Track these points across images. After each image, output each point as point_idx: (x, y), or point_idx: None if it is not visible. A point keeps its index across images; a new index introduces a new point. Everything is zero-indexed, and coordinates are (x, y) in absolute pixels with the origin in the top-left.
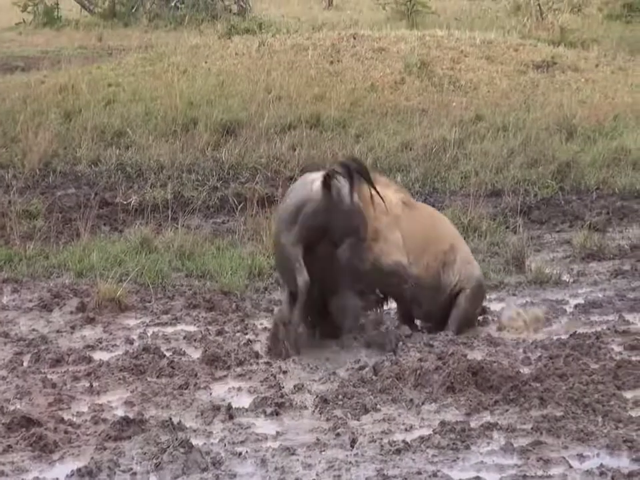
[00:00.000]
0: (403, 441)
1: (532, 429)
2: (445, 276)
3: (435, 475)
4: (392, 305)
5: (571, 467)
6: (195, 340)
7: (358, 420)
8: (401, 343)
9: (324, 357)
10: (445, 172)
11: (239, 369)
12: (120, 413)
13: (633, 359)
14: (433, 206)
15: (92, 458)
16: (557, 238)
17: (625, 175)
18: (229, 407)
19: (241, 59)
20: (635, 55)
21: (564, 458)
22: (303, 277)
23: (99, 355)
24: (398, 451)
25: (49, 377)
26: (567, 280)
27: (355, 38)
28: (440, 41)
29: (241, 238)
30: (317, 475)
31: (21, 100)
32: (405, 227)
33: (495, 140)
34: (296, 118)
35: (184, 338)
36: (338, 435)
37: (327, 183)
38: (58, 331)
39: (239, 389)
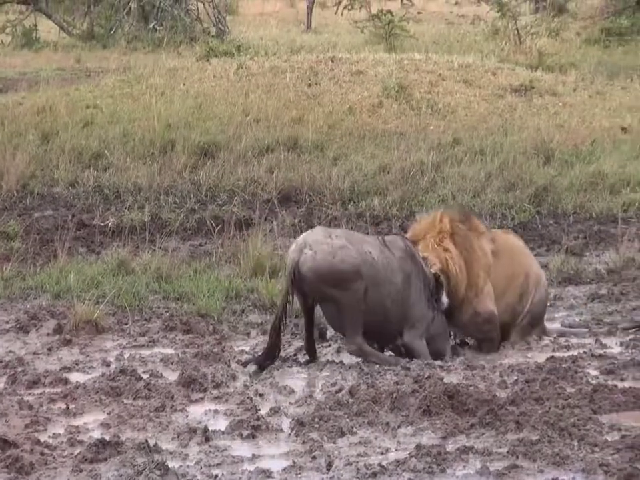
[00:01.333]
0: (379, 464)
1: (508, 452)
2: (519, 306)
3: None
4: None
5: None
6: (171, 362)
7: (334, 443)
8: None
9: (300, 379)
10: (422, 195)
11: (215, 392)
12: (96, 434)
13: (609, 383)
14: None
15: None
16: None
17: (602, 199)
18: (205, 430)
19: (219, 81)
20: (612, 79)
21: None
22: None
23: (75, 377)
24: (374, 474)
25: (26, 398)
26: None
27: (333, 61)
28: (418, 64)
29: (218, 260)
30: None
31: None
32: (492, 274)
33: (472, 163)
34: (274, 140)
35: (161, 360)
36: (314, 457)
37: None
38: (35, 353)
39: (216, 411)
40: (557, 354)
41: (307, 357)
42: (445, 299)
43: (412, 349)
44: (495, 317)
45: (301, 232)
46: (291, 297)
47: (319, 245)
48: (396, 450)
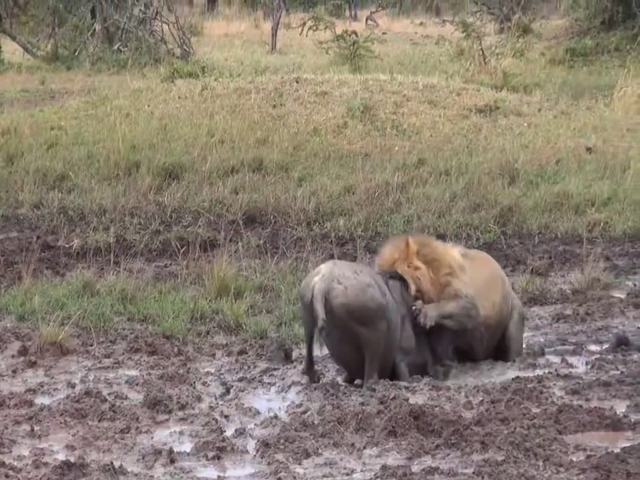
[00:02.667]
0: None
1: (473, 473)
2: (506, 308)
3: None
4: None
5: None
6: (136, 384)
7: (299, 464)
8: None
9: (266, 400)
10: (387, 216)
11: (180, 413)
12: (61, 457)
13: (575, 403)
14: (375, 250)
15: None
16: None
17: (567, 219)
18: (171, 451)
19: (183, 102)
20: (577, 99)
21: None
22: None
23: (40, 399)
24: None
25: None
26: None
27: (297, 82)
28: (383, 85)
29: (183, 282)
30: None
31: None
32: (470, 276)
33: (437, 184)
34: (239, 162)
35: (126, 382)
36: (279, 479)
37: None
38: None
39: (181, 432)
40: (522, 374)
41: (272, 379)
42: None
43: (397, 373)
44: (475, 301)
45: (266, 253)
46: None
47: (348, 280)
48: (361, 471)
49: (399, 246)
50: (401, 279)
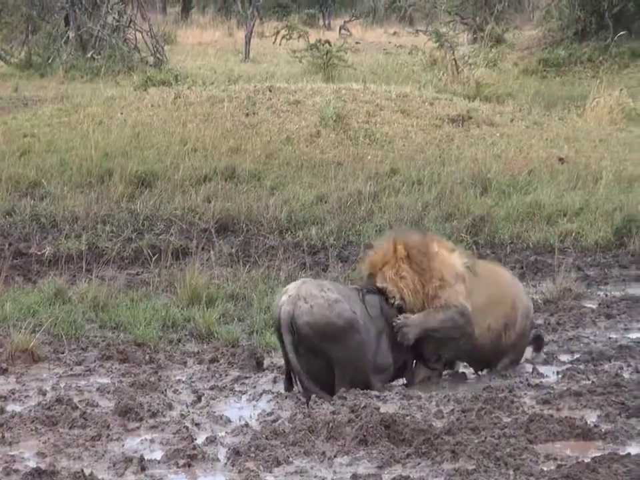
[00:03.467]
0: None
1: None
2: (506, 337)
3: None
4: None
5: None
6: (107, 391)
7: (270, 472)
8: None
9: (237, 408)
10: (359, 225)
11: (151, 421)
12: (32, 464)
13: (545, 412)
14: (347, 259)
15: None
16: None
17: (539, 229)
18: (141, 459)
19: (156, 110)
20: (550, 109)
21: None
22: None
23: (11, 406)
24: None
25: None
26: None
27: (270, 90)
28: (356, 94)
29: (155, 289)
30: None
31: None
32: (468, 288)
33: (409, 193)
34: (211, 170)
35: (97, 389)
36: None
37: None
38: None
39: (152, 440)
40: (493, 383)
41: (243, 387)
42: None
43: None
44: (467, 311)
45: (238, 261)
46: (288, 348)
47: (314, 299)
48: (332, 479)
49: (387, 250)
50: (380, 292)
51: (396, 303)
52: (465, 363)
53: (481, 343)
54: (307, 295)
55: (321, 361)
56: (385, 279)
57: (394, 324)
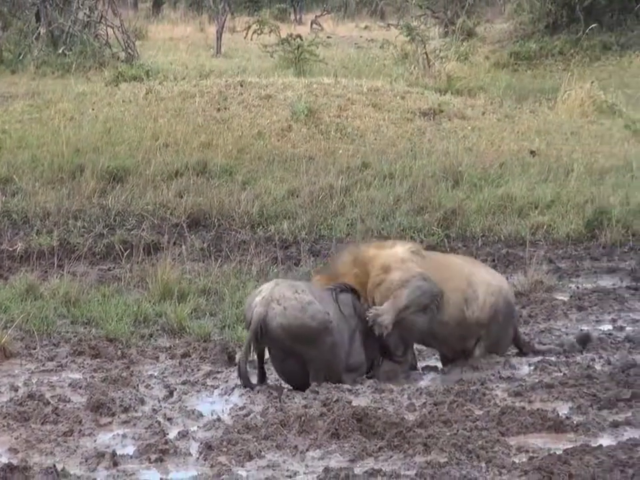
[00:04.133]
0: None
1: (416, 474)
2: (469, 312)
3: None
4: None
5: None
6: (79, 387)
7: (242, 466)
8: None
9: (209, 403)
10: (331, 219)
11: (123, 416)
12: (4, 459)
13: (517, 405)
14: (319, 253)
15: None
16: None
17: (511, 222)
18: (113, 454)
19: (128, 106)
20: (521, 102)
21: None
22: None
23: None
24: None
25: None
26: None
27: (242, 85)
28: (327, 88)
29: (126, 285)
30: None
31: None
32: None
33: (381, 187)
34: (183, 165)
35: (69, 385)
36: None
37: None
38: None
39: (124, 435)
40: (465, 376)
41: (215, 382)
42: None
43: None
44: (425, 274)
45: (210, 256)
46: (252, 350)
47: (287, 301)
48: (304, 473)
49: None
50: (352, 291)
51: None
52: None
53: (445, 320)
54: (280, 297)
55: (294, 361)
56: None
57: (367, 319)
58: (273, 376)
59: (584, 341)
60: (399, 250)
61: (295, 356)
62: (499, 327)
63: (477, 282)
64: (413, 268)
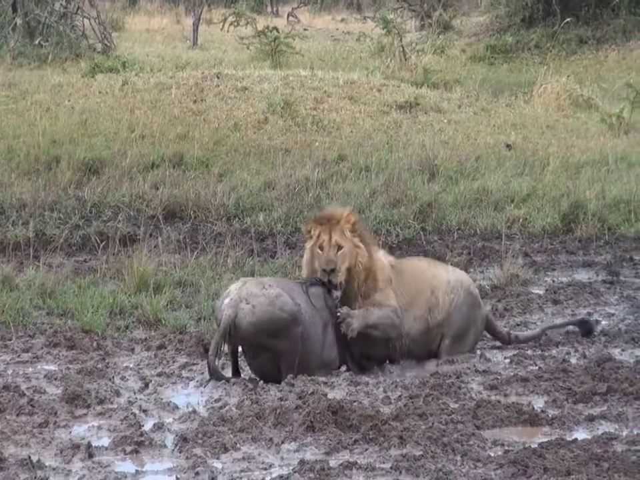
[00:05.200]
0: None
1: (391, 468)
2: (432, 319)
3: None
4: None
5: None
6: (55, 378)
7: (217, 459)
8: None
9: (184, 395)
10: (307, 212)
11: (99, 408)
12: None
13: (493, 398)
14: (295, 246)
15: None
16: None
17: (487, 215)
18: (89, 446)
19: (104, 97)
20: (497, 96)
21: None
22: None
23: None
24: None
25: None
26: None
27: (218, 77)
28: (303, 80)
29: (102, 276)
30: None
31: None
32: (394, 289)
33: (357, 180)
34: (159, 157)
35: (44, 376)
36: (197, 474)
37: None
38: None
39: (99, 427)
40: (440, 369)
41: (191, 374)
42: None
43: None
44: (398, 312)
45: (186, 248)
46: (222, 347)
47: (255, 298)
48: (279, 466)
49: (338, 212)
50: (323, 284)
51: (335, 295)
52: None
53: (412, 335)
54: (247, 296)
55: (266, 356)
56: (342, 233)
57: (337, 314)
58: (248, 370)
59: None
60: (386, 265)
61: (266, 351)
62: (462, 319)
63: (437, 285)
64: (391, 297)
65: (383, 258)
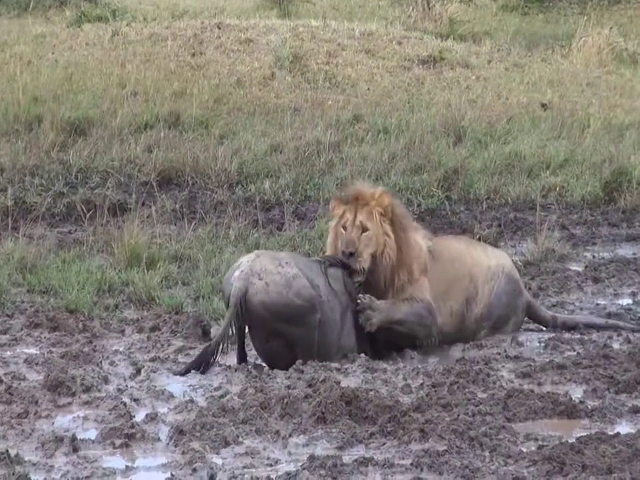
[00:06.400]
0: (268, 478)
1: (411, 464)
2: (469, 314)
3: None
4: None
5: None
6: (36, 363)
7: (217, 454)
8: None
9: (180, 382)
10: (318, 178)
11: (85, 396)
12: None
13: (525, 387)
14: (305, 216)
15: None
16: None
17: (519, 183)
18: (73, 438)
19: (92, 49)
20: (531, 50)
21: None
22: None
23: None
24: None
25: None
26: None
27: (219, 28)
28: (315, 32)
29: (89, 249)
30: None
31: None
32: (430, 276)
33: (374, 143)
34: (153, 116)
35: (24, 361)
36: (195, 470)
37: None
38: None
39: (85, 418)
40: (467, 355)
41: (188, 359)
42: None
43: None
44: (432, 308)
45: (183, 218)
46: (233, 328)
47: (270, 275)
48: (287, 461)
49: (373, 190)
50: (343, 266)
51: (357, 280)
52: None
53: (445, 331)
54: (261, 271)
55: (278, 342)
56: (372, 216)
57: (358, 302)
58: (253, 353)
59: None
60: (423, 250)
61: (279, 337)
62: (501, 309)
63: (477, 273)
64: (425, 289)
65: (421, 242)
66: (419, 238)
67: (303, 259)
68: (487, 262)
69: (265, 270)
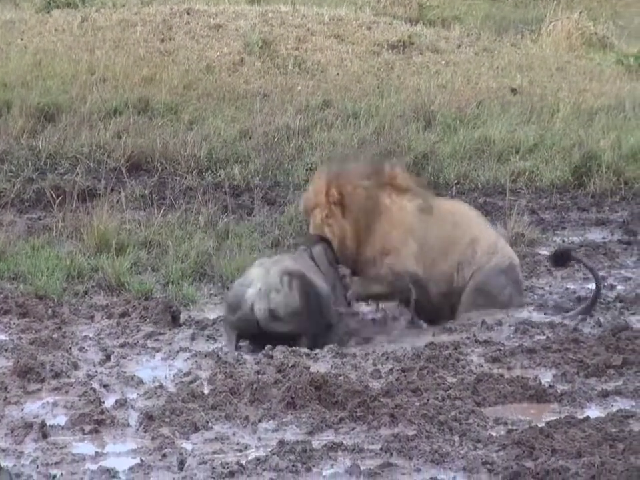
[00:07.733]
0: (237, 463)
1: (381, 449)
2: (459, 277)
3: None
4: None
5: None
6: (5, 349)
7: (187, 439)
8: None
9: (150, 368)
10: (288, 163)
11: (54, 382)
12: None
13: (495, 371)
14: (274, 202)
15: None
16: None
17: (489, 168)
18: (43, 425)
19: (61, 35)
20: (501, 34)
21: None
22: None
23: None
24: (231, 474)
25: None
26: None
27: (189, 13)
28: (284, 17)
29: (58, 236)
30: None
31: None
32: (420, 235)
33: (344, 128)
34: (122, 102)
35: None
36: (164, 455)
37: None
38: None
39: (54, 404)
40: (436, 339)
41: (157, 344)
42: (344, 270)
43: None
44: (416, 276)
45: (152, 204)
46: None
47: (284, 287)
48: (256, 447)
49: (319, 188)
50: (322, 239)
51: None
52: None
53: (433, 290)
54: (276, 284)
55: (286, 337)
56: (314, 225)
57: (342, 279)
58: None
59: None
60: (407, 215)
61: (288, 334)
62: (495, 287)
63: (480, 237)
64: (407, 258)
65: (407, 205)
66: (404, 205)
67: (299, 259)
68: (495, 238)
69: (281, 281)
